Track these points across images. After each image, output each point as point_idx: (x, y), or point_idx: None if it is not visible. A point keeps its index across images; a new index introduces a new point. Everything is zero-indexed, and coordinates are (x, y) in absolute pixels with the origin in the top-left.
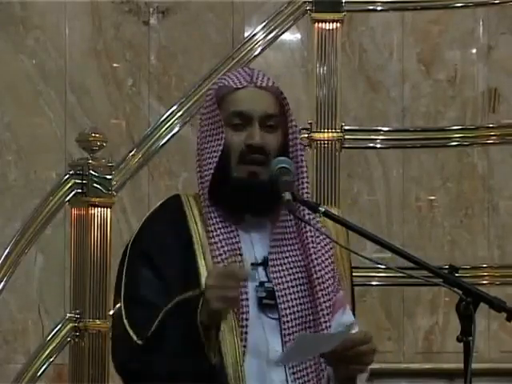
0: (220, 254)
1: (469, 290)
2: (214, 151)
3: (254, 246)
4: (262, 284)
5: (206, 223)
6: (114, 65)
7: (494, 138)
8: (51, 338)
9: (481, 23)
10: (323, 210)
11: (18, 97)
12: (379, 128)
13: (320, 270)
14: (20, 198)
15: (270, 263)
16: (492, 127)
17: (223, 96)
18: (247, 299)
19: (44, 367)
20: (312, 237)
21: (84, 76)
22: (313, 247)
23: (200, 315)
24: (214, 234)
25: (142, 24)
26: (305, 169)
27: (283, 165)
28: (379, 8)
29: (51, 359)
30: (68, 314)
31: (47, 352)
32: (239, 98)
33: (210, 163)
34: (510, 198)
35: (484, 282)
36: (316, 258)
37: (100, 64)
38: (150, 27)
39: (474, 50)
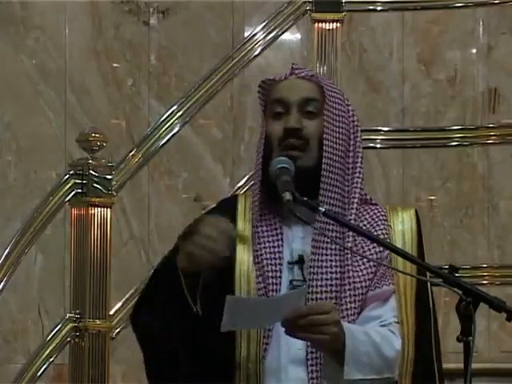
0: (257, 250)
1: (469, 289)
2: (260, 145)
3: (293, 243)
4: (291, 282)
5: (252, 220)
6: (114, 65)
7: (494, 137)
8: (51, 338)
9: (481, 23)
10: (323, 210)
11: (18, 97)
12: (379, 128)
13: (353, 270)
14: (20, 198)
15: (310, 263)
16: (492, 127)
17: (269, 93)
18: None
19: (44, 367)
20: (355, 240)
21: (84, 76)
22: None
23: (179, 261)
24: (259, 234)
25: (142, 24)
26: (358, 160)
27: (283, 165)
28: (379, 8)
29: (51, 359)
30: (68, 314)
31: (47, 352)
32: (279, 88)
33: (258, 158)
34: (509, 198)
35: (484, 281)
36: (353, 261)
37: (100, 64)
38: (150, 27)
39: (474, 50)
